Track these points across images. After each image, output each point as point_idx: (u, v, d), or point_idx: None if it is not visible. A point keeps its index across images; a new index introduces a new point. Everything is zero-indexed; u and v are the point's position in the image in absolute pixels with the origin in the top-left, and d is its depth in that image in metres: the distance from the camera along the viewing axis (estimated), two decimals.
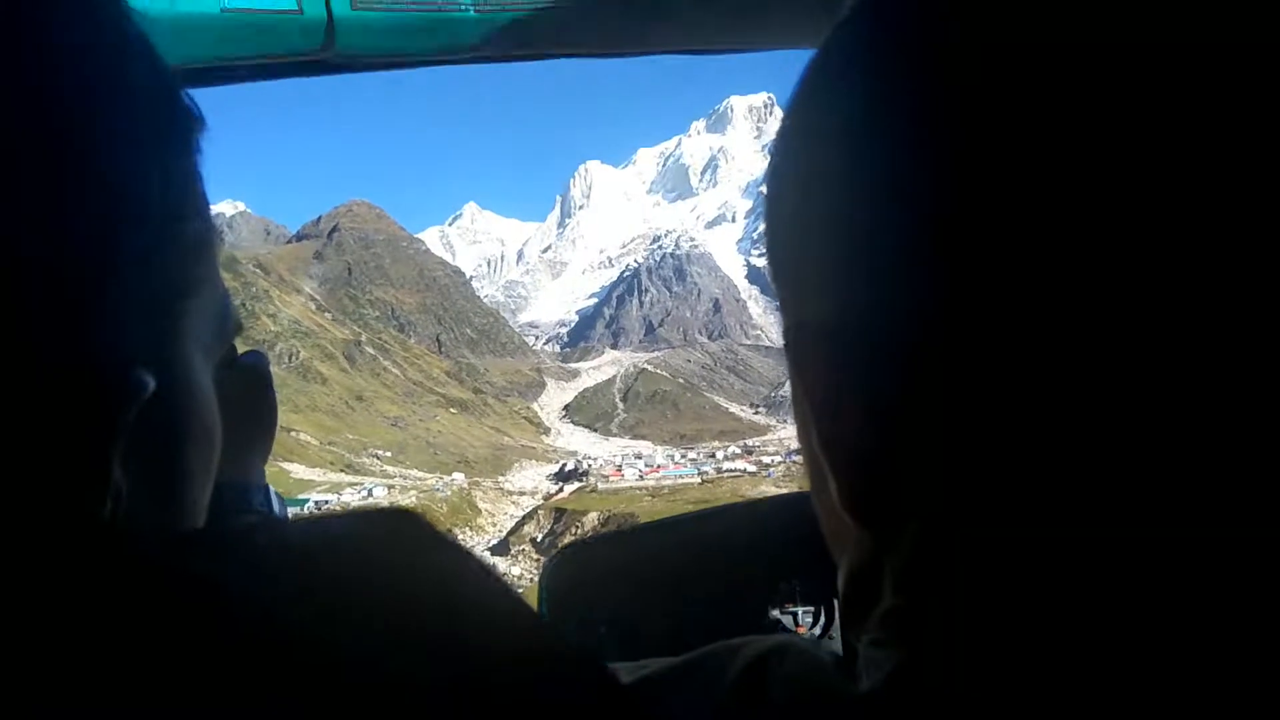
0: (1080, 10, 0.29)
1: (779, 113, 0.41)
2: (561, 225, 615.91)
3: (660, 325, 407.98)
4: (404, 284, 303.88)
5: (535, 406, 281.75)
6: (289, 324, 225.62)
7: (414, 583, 0.31)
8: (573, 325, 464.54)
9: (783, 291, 0.38)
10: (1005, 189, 0.28)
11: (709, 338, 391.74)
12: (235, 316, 0.47)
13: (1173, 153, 0.27)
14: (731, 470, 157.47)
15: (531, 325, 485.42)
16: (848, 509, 0.34)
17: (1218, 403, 0.27)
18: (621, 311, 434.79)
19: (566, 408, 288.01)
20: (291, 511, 0.78)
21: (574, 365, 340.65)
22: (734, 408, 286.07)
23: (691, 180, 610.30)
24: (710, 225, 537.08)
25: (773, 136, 0.39)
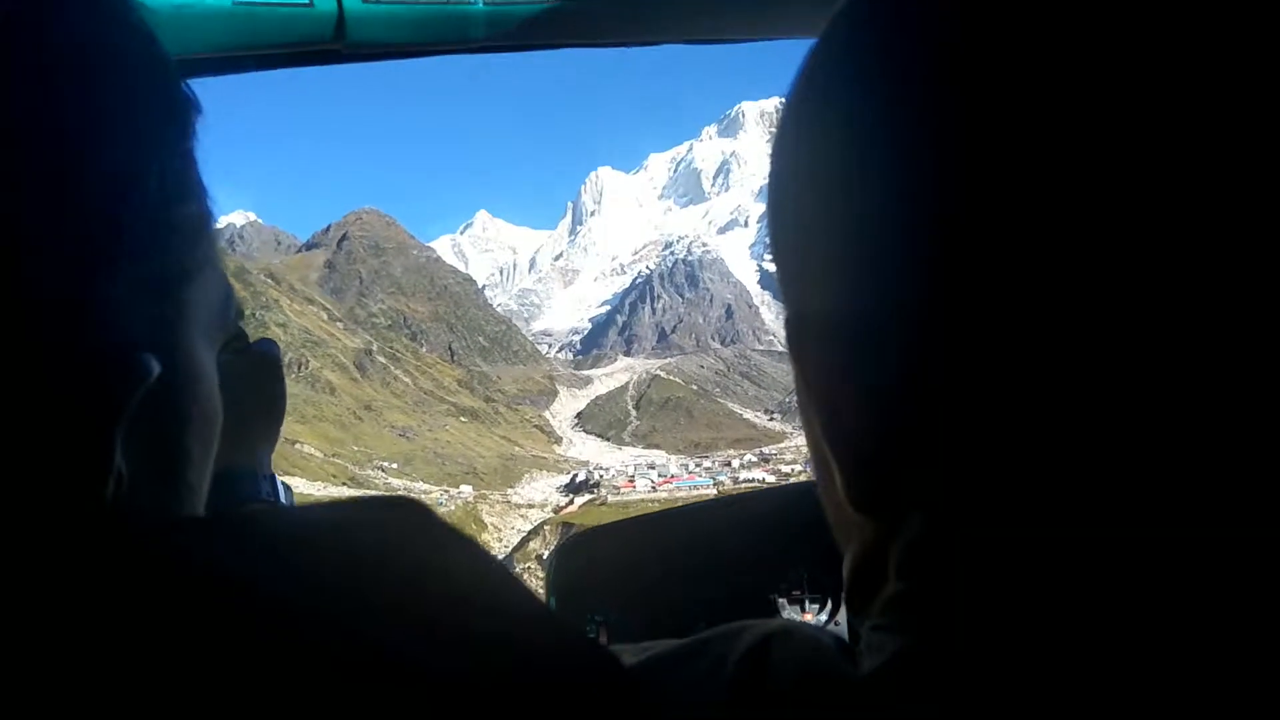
0: None
1: None
2: (573, 232, 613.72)
3: (673, 331, 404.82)
4: (415, 292, 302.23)
5: (547, 415, 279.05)
6: (299, 333, 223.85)
7: (414, 569, 0.31)
8: (585, 333, 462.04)
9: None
10: (1007, 180, 0.28)
11: (722, 343, 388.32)
12: (237, 302, 0.47)
13: (1182, 141, 0.26)
14: (749, 480, 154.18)
15: (544, 333, 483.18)
16: (850, 499, 0.34)
17: (1220, 393, 0.27)
18: (634, 318, 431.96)
19: (579, 416, 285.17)
20: None
21: (586, 372, 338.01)
22: (749, 414, 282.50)
23: (704, 185, 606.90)
24: (723, 230, 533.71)
25: None
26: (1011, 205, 0.28)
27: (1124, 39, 0.27)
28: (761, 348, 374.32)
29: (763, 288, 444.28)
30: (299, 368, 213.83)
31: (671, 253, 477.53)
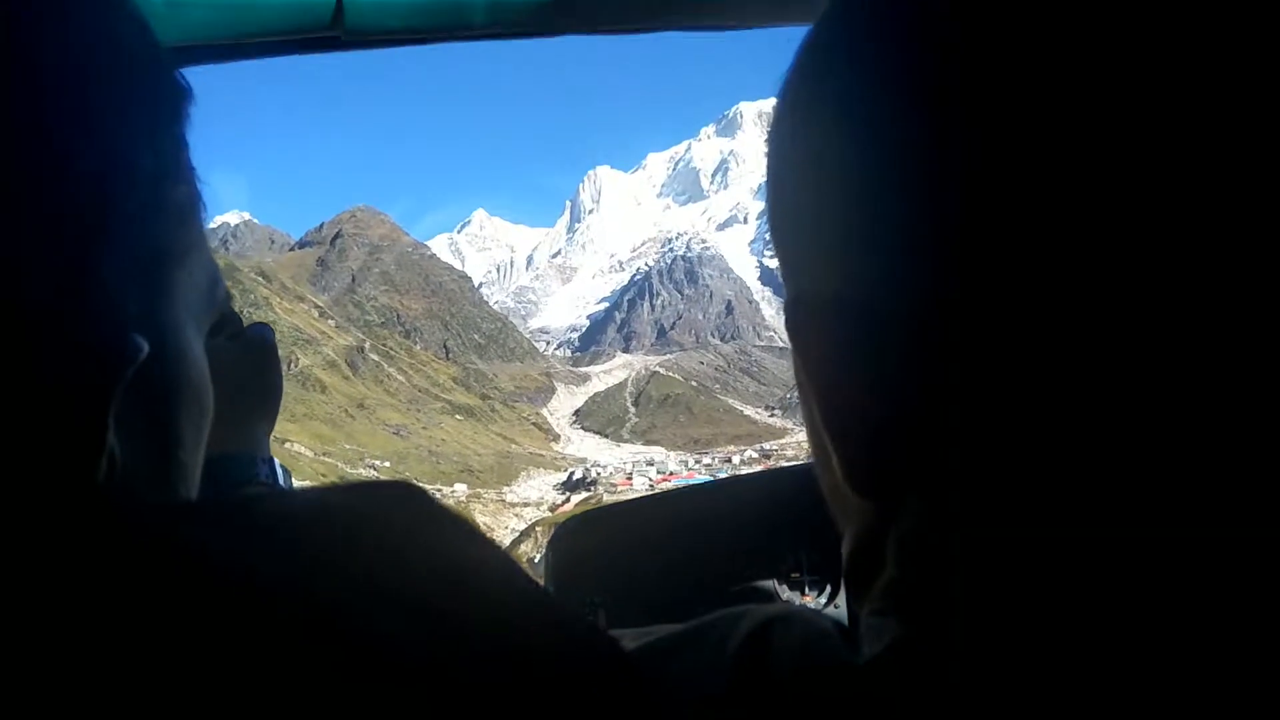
0: None
1: None
2: (571, 230, 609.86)
3: (672, 328, 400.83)
4: (410, 290, 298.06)
5: (545, 412, 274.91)
6: (289, 331, 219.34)
7: (413, 554, 0.31)
8: (584, 330, 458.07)
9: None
10: (1006, 162, 0.28)
11: (722, 340, 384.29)
12: (224, 285, 0.47)
13: (1188, 117, 0.26)
14: None
15: (542, 331, 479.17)
16: (849, 482, 0.34)
17: (1227, 387, 0.26)
18: (633, 315, 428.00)
19: (577, 413, 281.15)
20: None
21: (584, 369, 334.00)
22: (749, 410, 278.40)
23: (702, 183, 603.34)
24: (722, 227, 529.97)
25: None
26: (1012, 188, 0.28)
27: (1119, 26, 0.27)
28: (762, 344, 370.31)
29: (763, 283, 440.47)
30: (289, 365, 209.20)
31: (670, 249, 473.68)
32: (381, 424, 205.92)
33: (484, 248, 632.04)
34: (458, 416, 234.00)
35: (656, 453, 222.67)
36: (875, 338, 0.32)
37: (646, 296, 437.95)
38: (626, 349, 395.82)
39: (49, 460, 0.33)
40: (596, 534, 1.19)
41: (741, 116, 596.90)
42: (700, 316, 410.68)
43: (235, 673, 0.26)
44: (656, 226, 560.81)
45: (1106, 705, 0.27)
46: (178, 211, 0.41)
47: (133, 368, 0.35)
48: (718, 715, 0.30)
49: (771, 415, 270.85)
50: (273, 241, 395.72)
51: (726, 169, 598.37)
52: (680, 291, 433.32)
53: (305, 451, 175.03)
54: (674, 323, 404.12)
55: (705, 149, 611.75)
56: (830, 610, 1.13)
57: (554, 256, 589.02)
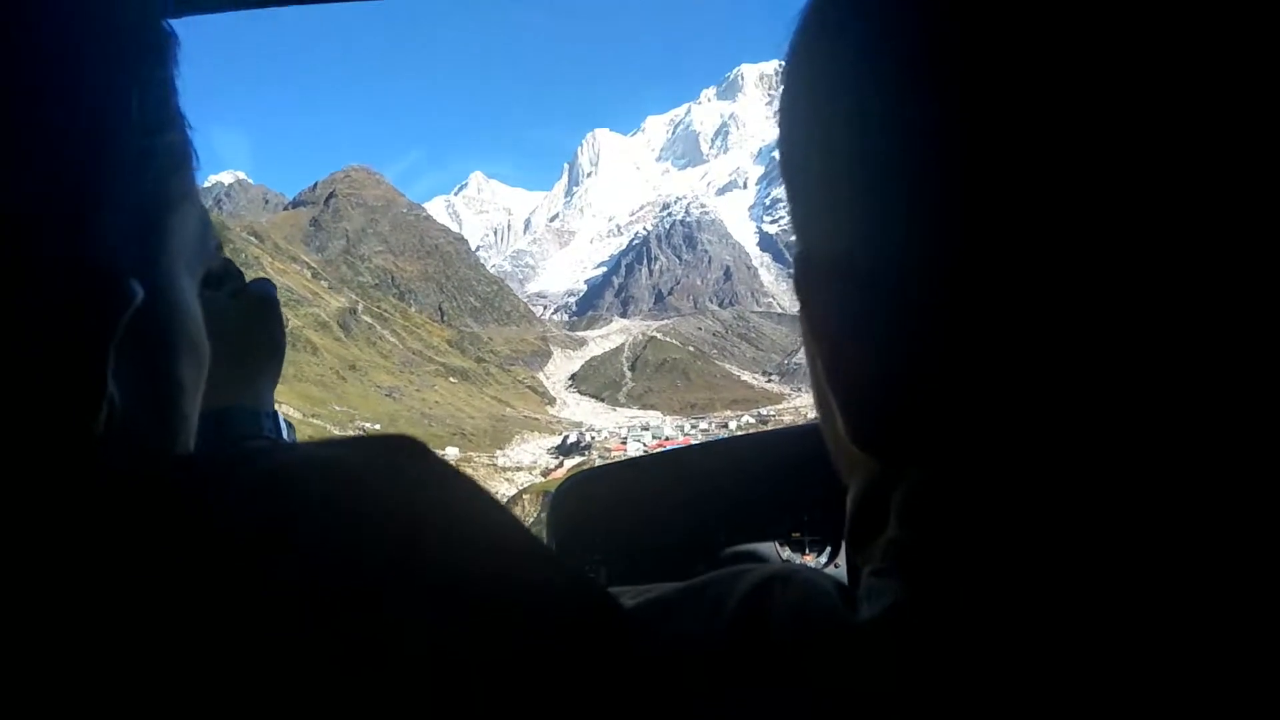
0: None
1: None
2: (569, 194, 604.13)
3: (670, 293, 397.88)
4: (404, 251, 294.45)
5: (540, 376, 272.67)
6: (281, 291, 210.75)
7: (414, 508, 0.31)
8: (581, 294, 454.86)
9: (795, 220, 0.38)
10: (1022, 118, 0.27)
11: (720, 305, 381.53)
12: (216, 235, 0.47)
13: (1204, 79, 0.26)
14: None
15: (540, 295, 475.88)
16: (851, 437, 0.34)
17: (1230, 354, 0.26)
18: (631, 280, 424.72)
19: (573, 377, 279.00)
20: None
21: (581, 334, 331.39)
22: (746, 376, 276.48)
23: (702, 147, 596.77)
24: (721, 192, 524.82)
25: None
26: (1026, 147, 0.27)
27: None
28: (760, 309, 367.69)
29: (762, 249, 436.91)
30: None
31: (669, 214, 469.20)
32: (373, 386, 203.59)
33: (481, 210, 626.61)
34: (452, 379, 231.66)
35: (652, 417, 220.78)
36: (882, 296, 0.32)
37: (644, 261, 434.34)
38: (624, 314, 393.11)
39: (51, 406, 0.33)
40: (597, 492, 1.19)
41: (743, 79, 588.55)
42: (698, 282, 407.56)
43: (232, 625, 0.26)
44: (655, 190, 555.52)
45: (1106, 676, 0.27)
46: (169, 159, 0.41)
47: (129, 312, 0.35)
48: (718, 672, 0.30)
49: (769, 381, 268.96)
50: (267, 201, 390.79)
51: (727, 132, 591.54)
52: (679, 256, 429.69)
53: (294, 413, 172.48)
54: (672, 288, 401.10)
55: (705, 112, 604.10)
56: (830, 570, 1.13)
57: (552, 220, 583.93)
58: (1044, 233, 0.27)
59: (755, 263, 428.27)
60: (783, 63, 0.37)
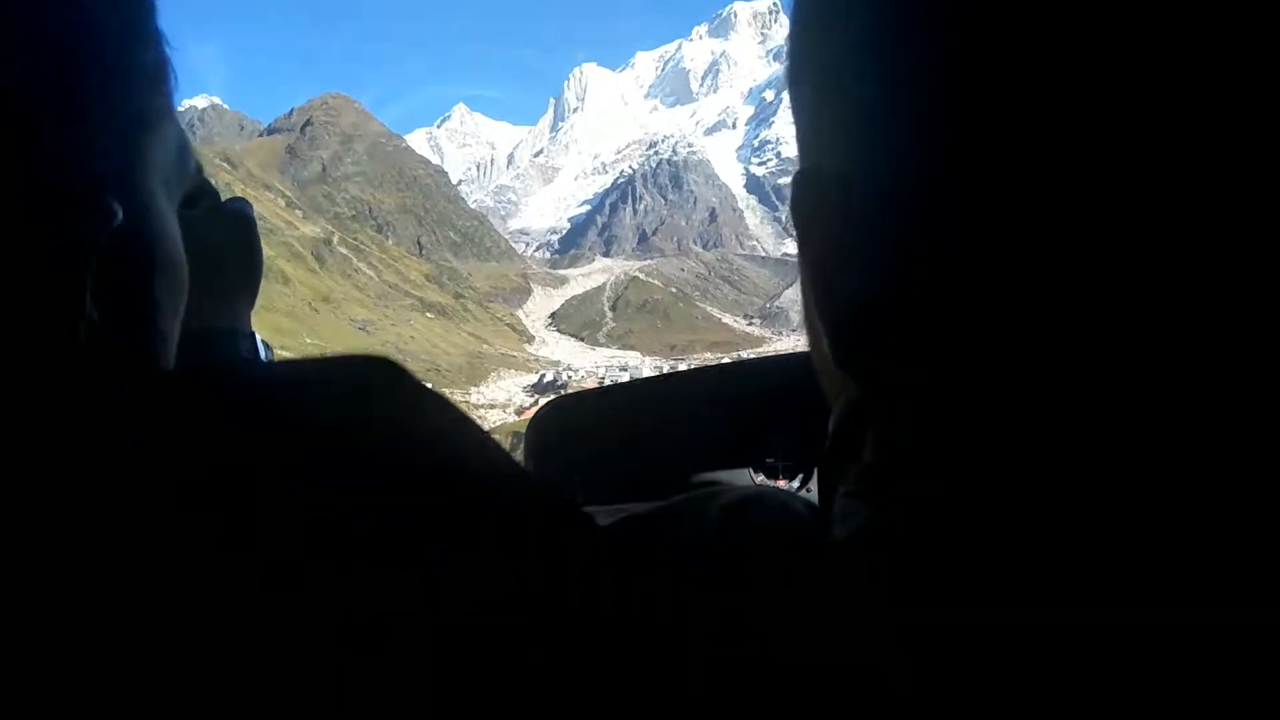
0: None
1: (784, 20, 0.38)
2: (555, 129, 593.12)
3: (654, 234, 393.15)
4: (383, 183, 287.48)
5: (520, 314, 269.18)
6: None
7: (391, 427, 0.31)
8: (564, 233, 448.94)
9: (799, 138, 0.37)
10: (1033, 51, 0.27)
11: (704, 247, 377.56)
12: (195, 155, 0.47)
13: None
14: None
15: (522, 232, 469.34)
16: (834, 356, 0.34)
17: (1227, 274, 0.26)
18: (615, 219, 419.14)
19: (553, 315, 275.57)
20: None
21: (563, 272, 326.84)
22: (728, 319, 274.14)
23: (691, 85, 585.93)
24: (710, 131, 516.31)
25: (778, 43, 2.16)
26: (1042, 69, 0.27)
27: None
28: (744, 252, 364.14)
29: (748, 192, 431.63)
30: None
31: (656, 153, 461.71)
32: (346, 319, 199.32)
33: (464, 144, 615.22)
34: (428, 314, 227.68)
35: (632, 358, 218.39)
36: (876, 217, 0.32)
37: (629, 200, 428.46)
38: (607, 253, 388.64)
39: (29, 321, 0.33)
40: (575, 418, 1.20)
41: (736, 16, 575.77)
42: (683, 223, 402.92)
43: (207, 543, 0.26)
44: (643, 128, 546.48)
45: (1072, 591, 0.27)
46: (147, 76, 0.41)
47: (108, 229, 0.35)
48: (691, 590, 0.30)
49: (750, 324, 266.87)
50: (242, 128, 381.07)
51: (717, 71, 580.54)
52: (664, 196, 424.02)
53: None
54: (656, 228, 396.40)
55: (696, 49, 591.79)
56: (803, 495, 1.14)
57: (536, 156, 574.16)
58: (1058, 163, 0.27)
59: (741, 205, 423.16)
60: None
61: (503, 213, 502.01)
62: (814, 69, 0.36)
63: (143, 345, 0.40)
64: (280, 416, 0.30)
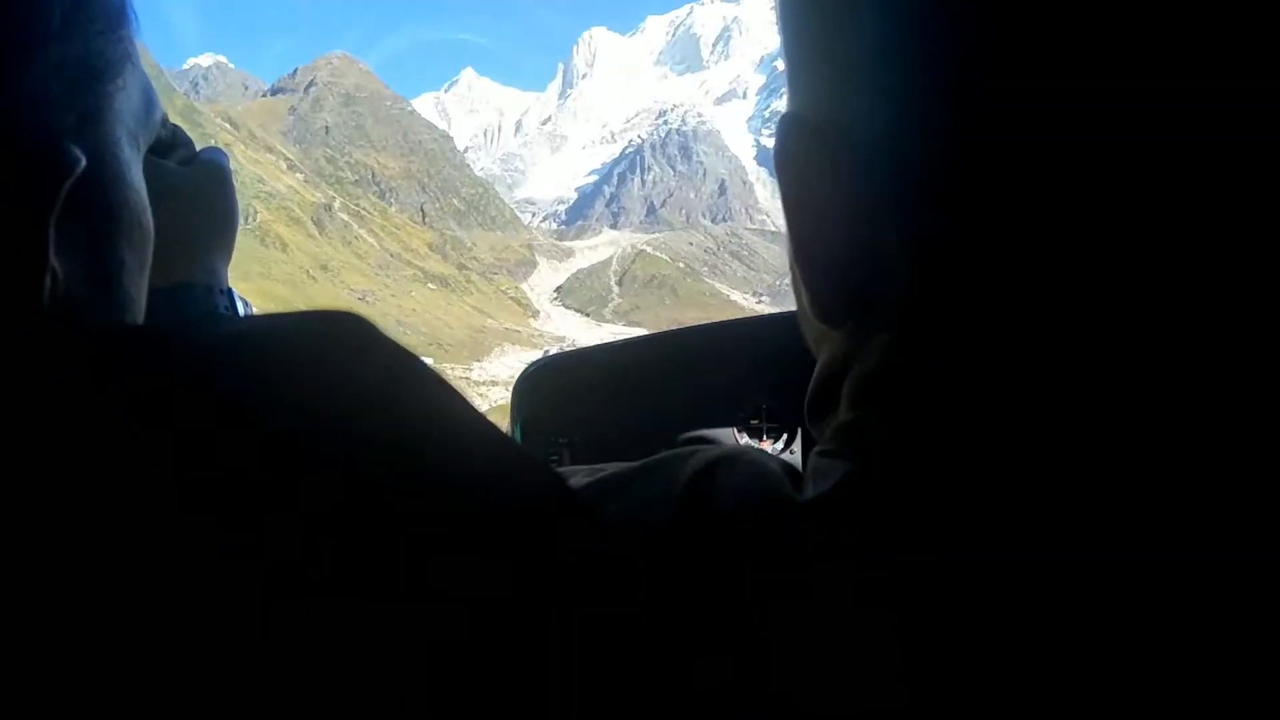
0: None
1: None
2: (563, 96, 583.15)
3: (662, 206, 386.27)
4: (387, 147, 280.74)
5: (525, 286, 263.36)
6: (251, 182, 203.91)
7: (356, 382, 0.31)
8: (571, 203, 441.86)
9: (790, 81, 0.37)
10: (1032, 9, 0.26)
11: (713, 221, 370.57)
12: (160, 107, 0.45)
13: None
14: None
15: (528, 201, 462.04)
16: (813, 308, 0.34)
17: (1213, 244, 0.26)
18: (623, 190, 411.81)
19: (558, 289, 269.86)
20: None
21: (569, 244, 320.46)
22: (736, 295, 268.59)
23: (702, 52, 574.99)
24: (720, 101, 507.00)
25: None
26: (1030, 36, 0.26)
27: None
28: (754, 227, 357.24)
29: (759, 164, 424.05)
30: (246, 219, 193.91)
31: (665, 122, 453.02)
32: (346, 288, 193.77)
33: (472, 109, 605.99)
34: (430, 286, 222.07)
35: (638, 335, 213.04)
36: (860, 166, 0.31)
37: (638, 171, 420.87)
38: (614, 225, 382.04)
39: None
40: (563, 376, 1.21)
41: None
42: (692, 195, 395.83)
43: (170, 501, 0.26)
44: (652, 97, 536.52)
45: (1043, 540, 0.27)
46: (105, 19, 0.39)
47: (70, 179, 0.34)
48: (662, 550, 0.30)
49: (759, 301, 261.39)
50: (246, 87, 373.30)
51: (729, 38, 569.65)
52: (673, 167, 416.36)
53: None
54: (664, 200, 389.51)
55: (708, 14, 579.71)
56: (786, 456, 1.15)
57: (544, 123, 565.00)
58: (1045, 123, 0.27)
59: (751, 178, 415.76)
60: None
61: (509, 181, 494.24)
62: (801, 10, 0.35)
63: (106, 304, 0.39)
64: (240, 371, 0.29)
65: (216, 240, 0.64)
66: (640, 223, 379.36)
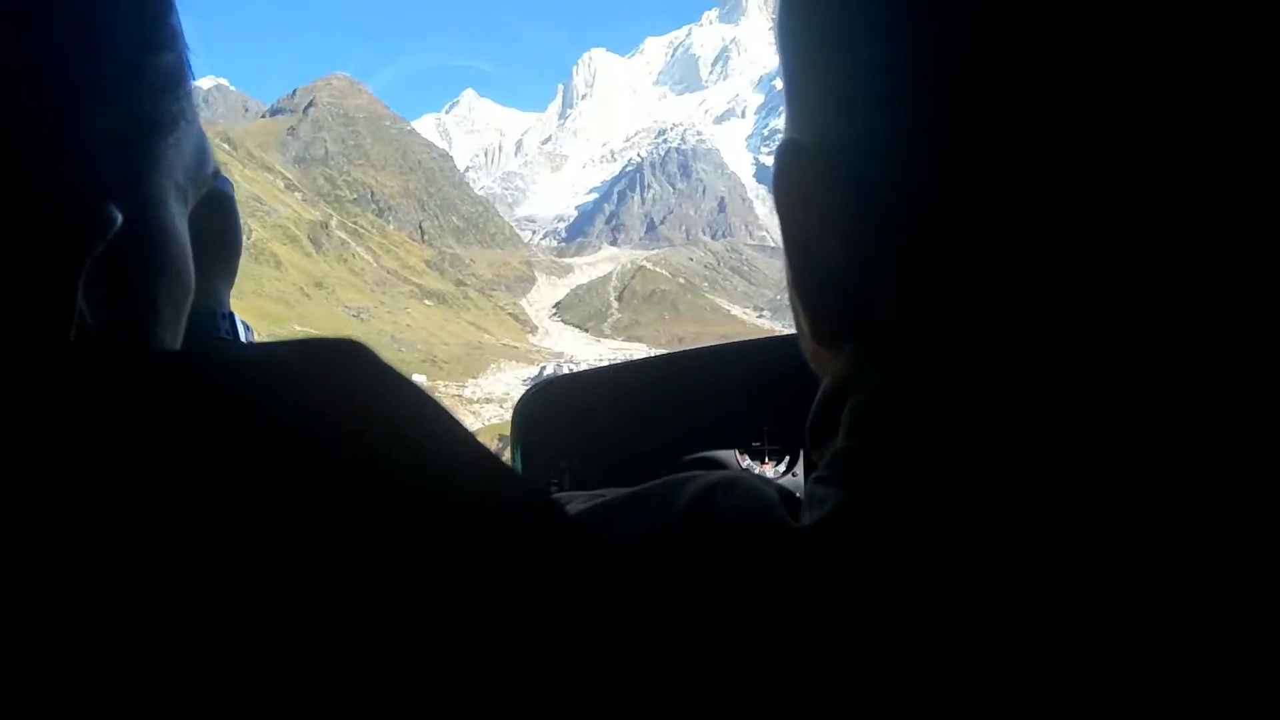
0: None
1: None
2: (563, 116, 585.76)
3: (662, 223, 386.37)
4: (386, 166, 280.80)
5: (523, 303, 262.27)
6: (247, 200, 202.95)
7: (357, 411, 0.31)
8: (571, 220, 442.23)
9: (788, 105, 0.37)
10: (1016, 25, 0.27)
11: (713, 237, 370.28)
12: (214, 161, 0.47)
13: None
14: None
15: (529, 219, 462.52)
16: (811, 331, 0.34)
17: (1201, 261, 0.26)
18: (622, 208, 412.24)
19: (557, 305, 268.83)
20: None
21: (568, 260, 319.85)
22: (736, 310, 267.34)
23: (701, 72, 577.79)
24: (719, 120, 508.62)
25: None
26: (1023, 59, 0.27)
27: None
28: (754, 243, 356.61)
29: (758, 181, 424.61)
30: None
31: (664, 140, 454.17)
32: (341, 305, 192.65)
33: (472, 130, 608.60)
34: (427, 302, 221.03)
35: (638, 350, 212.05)
36: (857, 192, 0.31)
37: (637, 189, 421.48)
38: (614, 242, 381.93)
39: (16, 319, 0.33)
40: (565, 398, 1.20)
41: (747, 1, 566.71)
42: (692, 212, 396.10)
43: (167, 529, 0.26)
44: (651, 116, 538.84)
45: (1033, 571, 0.27)
46: (161, 80, 0.40)
47: (105, 239, 0.35)
48: (657, 578, 0.30)
49: (760, 316, 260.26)
50: (246, 109, 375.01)
51: (728, 58, 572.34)
52: (673, 185, 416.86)
53: None
54: (664, 217, 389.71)
55: (707, 35, 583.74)
56: (788, 479, 1.16)
57: (544, 143, 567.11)
58: (1039, 145, 0.27)
59: (751, 195, 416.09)
60: None
61: (510, 200, 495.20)
62: (799, 37, 0.35)
63: (134, 343, 0.40)
64: (235, 400, 0.30)
65: (220, 267, 0.65)
66: (640, 239, 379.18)
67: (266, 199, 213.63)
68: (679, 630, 0.28)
